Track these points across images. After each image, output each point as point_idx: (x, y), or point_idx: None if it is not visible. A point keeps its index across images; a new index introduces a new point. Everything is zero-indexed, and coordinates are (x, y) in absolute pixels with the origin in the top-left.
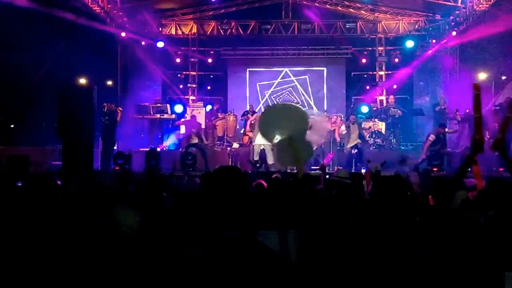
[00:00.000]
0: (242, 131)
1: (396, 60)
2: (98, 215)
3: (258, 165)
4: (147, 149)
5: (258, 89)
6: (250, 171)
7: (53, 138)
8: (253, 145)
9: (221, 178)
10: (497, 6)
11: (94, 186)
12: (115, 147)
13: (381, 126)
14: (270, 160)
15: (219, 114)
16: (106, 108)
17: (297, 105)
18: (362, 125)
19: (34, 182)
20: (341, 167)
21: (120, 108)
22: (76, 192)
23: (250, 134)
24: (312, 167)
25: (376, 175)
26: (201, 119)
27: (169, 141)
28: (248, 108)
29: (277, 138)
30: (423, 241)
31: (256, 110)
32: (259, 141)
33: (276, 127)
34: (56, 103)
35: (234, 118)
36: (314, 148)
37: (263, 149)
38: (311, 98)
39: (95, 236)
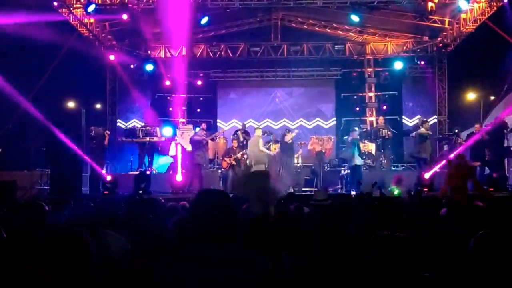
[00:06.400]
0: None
1: (385, 81)
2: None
3: None
4: (136, 173)
5: (247, 111)
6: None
7: (42, 162)
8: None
9: (204, 203)
10: (483, 28)
11: None
12: (103, 171)
13: (371, 147)
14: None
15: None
16: (93, 132)
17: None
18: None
19: (21, 208)
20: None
21: (108, 132)
22: None
23: (228, 160)
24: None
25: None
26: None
27: (158, 164)
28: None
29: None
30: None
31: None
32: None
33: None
34: (45, 127)
35: (224, 140)
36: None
37: None
38: (300, 119)
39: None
